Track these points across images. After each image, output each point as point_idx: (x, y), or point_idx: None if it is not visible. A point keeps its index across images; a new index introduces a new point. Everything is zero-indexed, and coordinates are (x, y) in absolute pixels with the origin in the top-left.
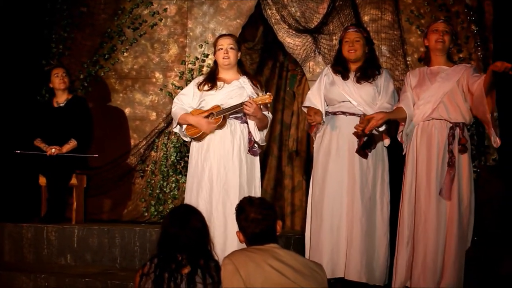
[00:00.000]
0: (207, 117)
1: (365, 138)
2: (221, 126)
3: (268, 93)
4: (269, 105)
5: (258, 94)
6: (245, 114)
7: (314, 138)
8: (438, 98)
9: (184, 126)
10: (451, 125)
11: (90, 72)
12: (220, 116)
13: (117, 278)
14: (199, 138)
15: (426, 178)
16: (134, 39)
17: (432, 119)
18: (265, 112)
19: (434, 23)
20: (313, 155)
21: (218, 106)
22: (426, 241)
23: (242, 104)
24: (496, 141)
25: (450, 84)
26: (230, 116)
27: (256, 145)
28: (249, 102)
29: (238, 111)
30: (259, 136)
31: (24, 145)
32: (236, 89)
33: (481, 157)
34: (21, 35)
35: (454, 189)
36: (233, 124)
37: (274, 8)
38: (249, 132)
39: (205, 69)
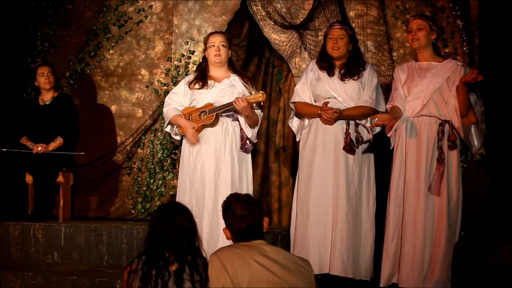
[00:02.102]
0: (199, 115)
1: (352, 135)
2: (213, 124)
3: (261, 92)
4: (262, 103)
5: (250, 93)
6: (236, 112)
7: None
8: (428, 95)
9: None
10: (440, 121)
11: (75, 70)
12: (213, 114)
13: (104, 276)
14: None
15: (415, 174)
16: (120, 36)
17: (422, 115)
18: (258, 111)
19: (409, 22)
20: (299, 151)
21: (211, 104)
22: (415, 238)
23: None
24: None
25: (439, 80)
26: (222, 114)
27: (248, 142)
28: (240, 98)
29: (230, 109)
30: (251, 133)
31: (10, 143)
32: (227, 87)
33: (468, 152)
34: (6, 32)
35: (443, 185)
36: (225, 122)
37: (259, 4)
38: (241, 129)
39: (191, 66)
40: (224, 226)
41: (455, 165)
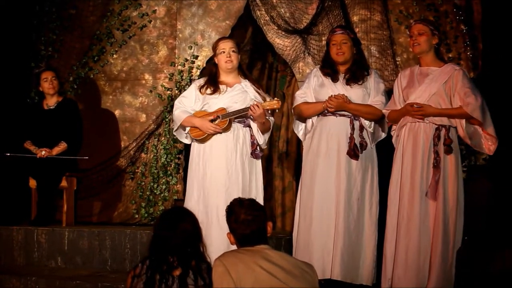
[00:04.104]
0: (213, 120)
1: (356, 140)
2: (226, 129)
3: (276, 99)
4: (277, 110)
5: (264, 98)
6: (248, 118)
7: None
8: (424, 100)
9: (188, 128)
10: (436, 126)
11: (79, 74)
12: (226, 119)
13: (107, 280)
14: (203, 140)
15: (411, 178)
16: (123, 41)
17: (418, 121)
18: (270, 118)
19: (410, 27)
20: (302, 156)
21: (224, 109)
22: (408, 241)
23: (248, 108)
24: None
25: (436, 86)
26: (234, 120)
27: (258, 148)
28: (256, 105)
29: (243, 115)
30: (262, 139)
31: (14, 148)
32: (240, 93)
33: (471, 157)
34: (9, 37)
35: (439, 190)
36: (236, 127)
37: (263, 9)
38: (252, 135)
39: (194, 71)
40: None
41: (452, 170)
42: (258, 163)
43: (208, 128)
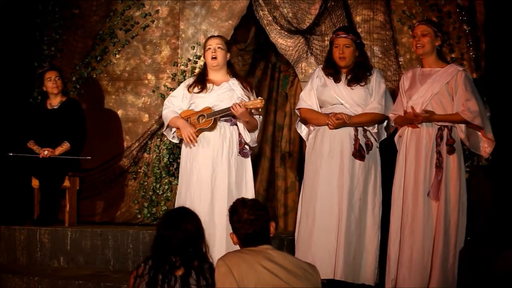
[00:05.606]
0: (197, 118)
1: (361, 140)
2: (211, 128)
3: (259, 98)
4: (260, 109)
5: (249, 97)
6: (234, 117)
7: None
8: (426, 101)
9: (174, 128)
10: (439, 126)
11: (82, 74)
12: (211, 118)
13: (110, 280)
14: None
15: (414, 178)
16: (126, 40)
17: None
18: (256, 116)
19: (414, 27)
20: (305, 156)
21: (209, 108)
22: (412, 242)
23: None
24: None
25: (438, 86)
26: (220, 119)
27: (246, 146)
28: (238, 104)
29: (228, 114)
30: (249, 138)
31: (17, 147)
32: (226, 92)
33: (474, 157)
34: (12, 37)
35: (442, 190)
36: (223, 126)
37: (266, 9)
38: (239, 134)
39: (197, 71)
40: (222, 231)
41: (454, 170)
42: (248, 162)
43: (183, 132)
